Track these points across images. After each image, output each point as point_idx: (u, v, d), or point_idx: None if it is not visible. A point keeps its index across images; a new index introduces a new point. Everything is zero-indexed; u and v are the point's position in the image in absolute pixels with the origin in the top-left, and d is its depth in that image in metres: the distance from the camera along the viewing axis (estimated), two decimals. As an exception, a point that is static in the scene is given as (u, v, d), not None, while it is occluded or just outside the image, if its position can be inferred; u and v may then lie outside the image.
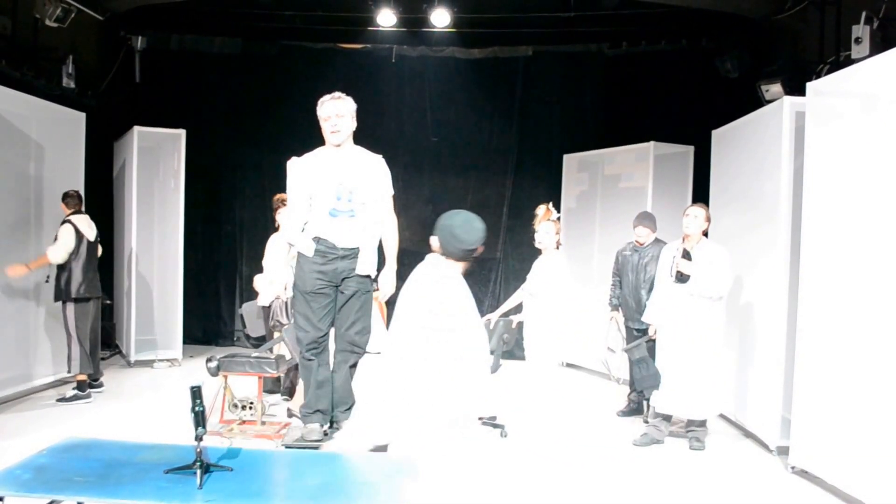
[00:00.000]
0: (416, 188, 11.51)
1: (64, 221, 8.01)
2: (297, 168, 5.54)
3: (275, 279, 7.64)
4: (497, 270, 11.73)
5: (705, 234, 6.97)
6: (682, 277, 6.72)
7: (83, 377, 8.05)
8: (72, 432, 5.24)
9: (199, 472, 3.73)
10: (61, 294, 7.94)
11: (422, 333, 4.42)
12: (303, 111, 5.60)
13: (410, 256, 10.90)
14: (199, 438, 3.77)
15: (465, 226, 4.41)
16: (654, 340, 7.10)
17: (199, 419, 3.80)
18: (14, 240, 7.80)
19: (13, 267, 7.76)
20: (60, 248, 7.90)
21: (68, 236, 7.97)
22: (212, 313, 11.78)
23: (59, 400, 7.92)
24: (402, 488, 3.86)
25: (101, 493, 3.53)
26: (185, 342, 10.38)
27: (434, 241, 4.61)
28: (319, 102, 5.50)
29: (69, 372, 8.09)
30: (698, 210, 6.88)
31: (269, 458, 4.65)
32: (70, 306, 7.97)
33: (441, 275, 4.50)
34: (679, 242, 6.96)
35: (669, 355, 6.82)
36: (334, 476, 4.08)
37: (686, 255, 6.74)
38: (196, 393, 3.81)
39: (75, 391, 8.00)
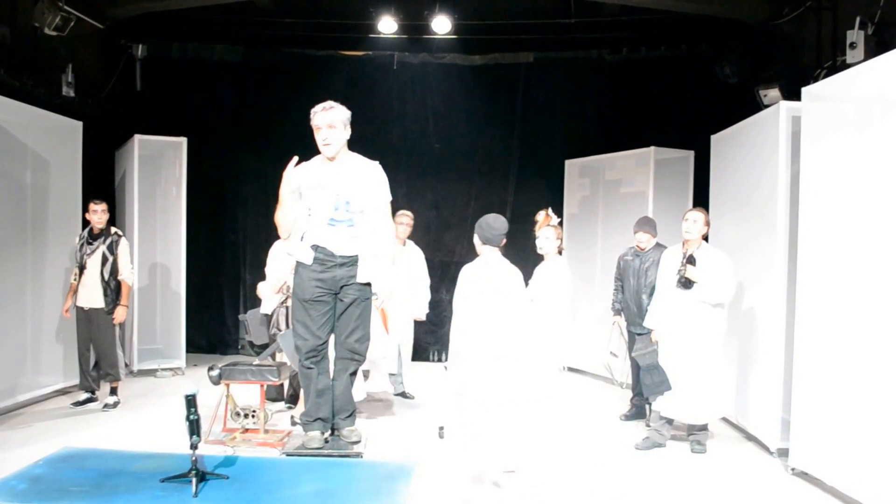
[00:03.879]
0: (418, 194, 11.50)
1: (119, 236, 8.10)
2: (295, 178, 5.51)
3: (273, 281, 7.68)
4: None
5: (705, 238, 6.97)
6: (687, 284, 6.70)
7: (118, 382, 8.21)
8: (74, 443, 5.26)
9: (194, 480, 3.75)
10: (118, 301, 8.04)
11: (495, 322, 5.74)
12: (304, 118, 5.59)
13: (412, 262, 10.97)
14: (194, 447, 3.79)
15: (494, 217, 6.11)
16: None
17: (194, 427, 3.82)
18: (11, 251, 7.77)
19: (119, 314, 8.01)
20: (132, 270, 8.22)
21: (129, 251, 8.17)
22: (215, 322, 11.78)
23: (105, 407, 7.98)
24: (398, 494, 3.87)
25: (96, 502, 3.55)
26: (188, 351, 10.41)
27: (477, 241, 6.10)
28: (312, 113, 5.49)
29: (119, 379, 8.15)
30: (698, 214, 6.87)
31: (266, 465, 4.66)
32: (122, 313, 8.07)
33: (495, 258, 6.01)
34: (679, 247, 6.95)
35: (672, 360, 6.81)
36: (330, 483, 4.09)
37: (692, 260, 6.73)
38: (191, 401, 3.83)
39: (116, 398, 8.11)
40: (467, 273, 5.94)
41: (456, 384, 5.85)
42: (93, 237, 8.00)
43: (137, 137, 9.73)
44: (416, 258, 8.87)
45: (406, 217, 8.73)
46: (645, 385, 7.06)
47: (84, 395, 8.11)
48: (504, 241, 6.08)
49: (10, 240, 7.76)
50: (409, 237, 8.86)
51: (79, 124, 8.80)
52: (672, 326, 6.84)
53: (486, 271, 5.90)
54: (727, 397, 7.20)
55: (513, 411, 5.76)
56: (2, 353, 7.62)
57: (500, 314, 5.75)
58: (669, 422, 7.01)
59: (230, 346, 11.71)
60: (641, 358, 7.03)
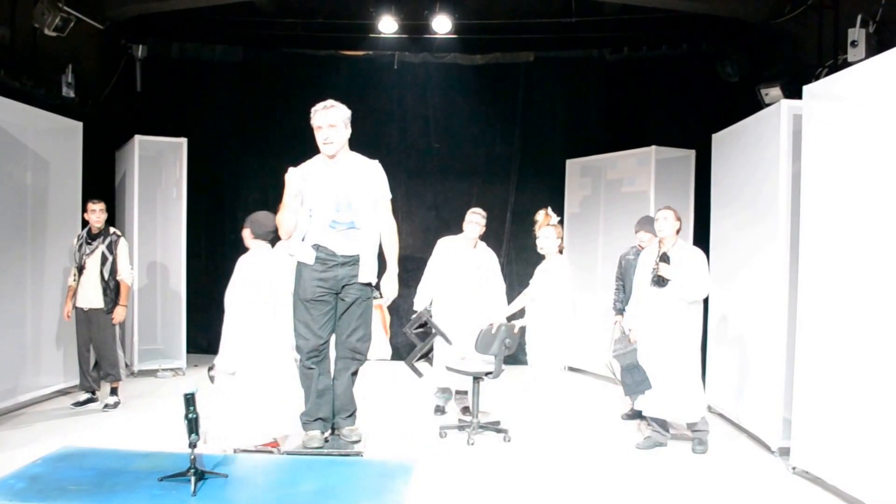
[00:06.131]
0: (418, 194, 11.51)
1: (118, 236, 8.08)
2: (297, 181, 5.52)
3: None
4: (502, 275, 11.67)
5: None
6: (661, 282, 6.71)
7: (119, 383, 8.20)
8: (74, 442, 5.25)
9: (192, 479, 3.74)
10: (117, 301, 8.03)
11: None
12: (305, 118, 5.61)
13: (414, 262, 11.03)
14: (192, 445, 3.78)
15: (264, 214, 6.43)
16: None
17: (193, 426, 3.80)
18: (11, 252, 7.76)
19: (118, 314, 7.99)
20: (131, 270, 8.22)
21: (128, 251, 8.17)
22: (216, 322, 11.64)
23: (105, 407, 7.99)
24: (398, 493, 3.86)
25: (95, 501, 3.53)
26: (189, 351, 10.40)
27: (247, 235, 6.43)
28: (312, 111, 5.49)
29: (120, 379, 8.16)
30: (667, 212, 6.87)
31: (265, 464, 4.66)
32: (121, 312, 8.05)
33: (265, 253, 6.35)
34: (655, 246, 6.96)
35: (650, 359, 6.80)
36: (329, 481, 4.07)
37: (665, 258, 6.74)
38: (189, 400, 3.81)
39: (116, 398, 8.12)
40: (240, 265, 6.24)
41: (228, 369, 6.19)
42: (91, 237, 7.98)
43: (137, 138, 9.71)
44: (487, 259, 8.08)
45: (477, 216, 7.90)
46: (625, 384, 7.07)
47: (84, 396, 8.09)
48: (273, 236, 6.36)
49: (10, 240, 7.74)
50: (482, 237, 8.07)
51: (79, 125, 8.77)
52: (649, 325, 6.84)
53: (259, 266, 6.19)
54: (704, 394, 7.15)
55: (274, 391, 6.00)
56: (2, 354, 7.59)
57: (271, 306, 6.06)
58: (662, 422, 7.00)
59: (231, 346, 11.67)
60: (621, 357, 7.05)
